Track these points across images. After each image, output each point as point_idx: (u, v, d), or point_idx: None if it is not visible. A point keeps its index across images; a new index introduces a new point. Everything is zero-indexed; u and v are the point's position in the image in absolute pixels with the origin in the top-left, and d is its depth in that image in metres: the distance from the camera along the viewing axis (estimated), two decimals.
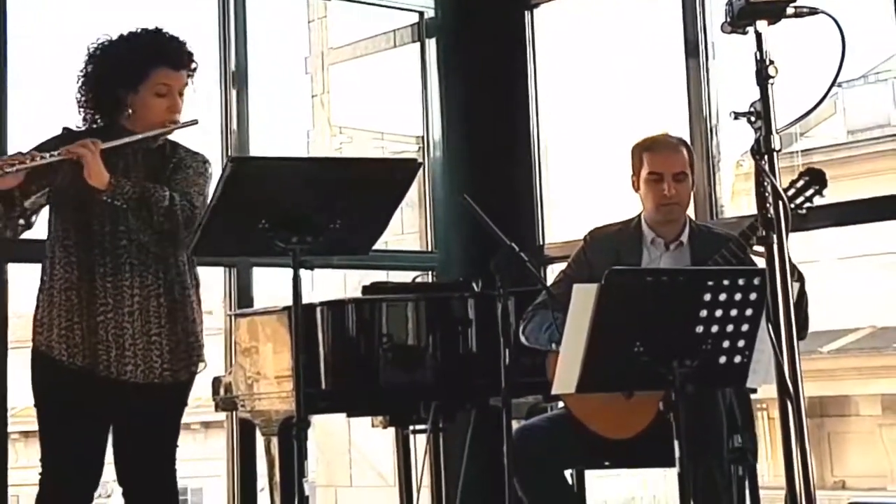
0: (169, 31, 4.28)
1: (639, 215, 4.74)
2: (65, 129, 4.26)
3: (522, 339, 4.66)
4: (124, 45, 4.22)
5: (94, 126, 4.25)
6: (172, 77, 4.22)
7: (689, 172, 4.64)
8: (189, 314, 4.22)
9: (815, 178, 4.36)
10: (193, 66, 4.30)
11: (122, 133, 4.17)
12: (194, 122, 4.27)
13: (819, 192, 4.35)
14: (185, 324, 4.20)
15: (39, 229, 4.27)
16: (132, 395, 4.11)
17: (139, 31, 4.25)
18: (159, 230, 4.07)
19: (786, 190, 4.24)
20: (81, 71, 4.25)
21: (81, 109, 4.28)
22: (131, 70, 4.17)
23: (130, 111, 4.20)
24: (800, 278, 4.24)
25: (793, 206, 4.26)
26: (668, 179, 4.59)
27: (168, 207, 4.03)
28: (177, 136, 4.35)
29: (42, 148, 4.14)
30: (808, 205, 4.35)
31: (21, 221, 4.15)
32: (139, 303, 4.11)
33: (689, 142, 4.95)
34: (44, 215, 4.26)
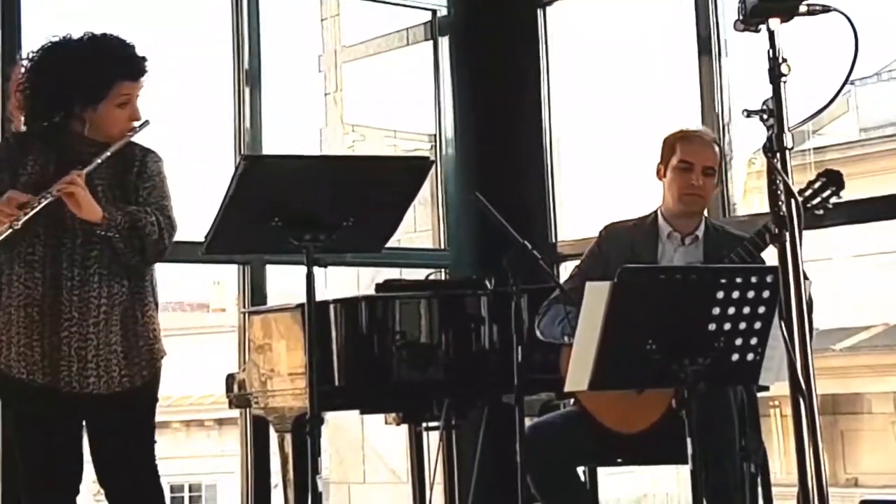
0: (116, 37, 4.17)
1: (655, 211, 4.75)
2: (10, 135, 4.21)
3: (538, 333, 4.68)
4: (80, 58, 4.10)
5: (40, 128, 4.15)
6: (132, 87, 4.14)
7: (717, 170, 4.68)
8: (142, 317, 4.16)
9: (833, 180, 4.35)
10: (147, 70, 4.21)
11: (76, 138, 4.11)
12: (146, 124, 4.18)
13: (836, 194, 4.34)
14: (135, 329, 4.13)
15: None
16: (96, 406, 4.07)
17: (87, 38, 4.14)
18: (148, 258, 4.06)
19: (803, 191, 4.24)
20: (26, 75, 4.14)
21: (24, 113, 4.18)
22: (94, 85, 4.08)
23: (88, 123, 4.12)
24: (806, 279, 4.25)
25: (809, 206, 4.26)
26: (697, 170, 4.62)
27: (158, 234, 4.02)
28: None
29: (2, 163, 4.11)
30: (825, 206, 4.34)
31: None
32: (105, 312, 4.06)
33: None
34: None
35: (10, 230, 3.86)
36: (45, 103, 4.12)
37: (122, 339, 4.09)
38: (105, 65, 4.10)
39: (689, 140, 4.70)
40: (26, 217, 3.87)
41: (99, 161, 4.04)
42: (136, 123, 4.17)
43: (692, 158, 4.64)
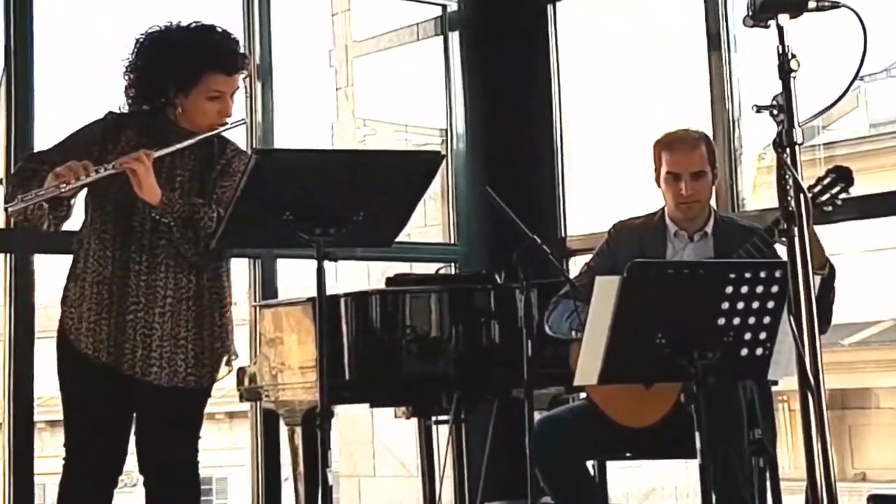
0: (222, 29, 4.19)
1: (662, 208, 4.76)
2: (110, 113, 4.19)
3: (546, 328, 4.69)
4: (178, 44, 4.11)
5: (140, 111, 4.18)
6: (226, 83, 4.14)
7: (708, 170, 4.64)
8: (219, 318, 4.18)
9: (842, 176, 4.34)
10: (247, 68, 4.23)
11: (168, 125, 4.13)
12: (242, 122, 4.21)
13: (845, 190, 4.33)
14: (211, 329, 4.15)
15: (68, 221, 4.24)
16: (155, 395, 4.08)
17: (193, 27, 4.15)
18: (202, 251, 4.04)
19: (812, 186, 4.23)
20: (130, 59, 4.16)
21: (127, 96, 4.19)
22: (184, 73, 4.09)
23: (180, 110, 4.13)
24: (831, 271, 4.26)
25: (818, 202, 4.26)
26: (685, 179, 4.60)
27: (215, 230, 3.99)
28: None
29: (86, 133, 4.12)
30: (835, 202, 4.33)
31: (64, 220, 4.06)
32: (171, 304, 4.07)
33: (711, 135, 4.94)
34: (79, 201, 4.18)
35: (57, 191, 3.85)
36: (143, 87, 4.15)
37: (194, 337, 4.10)
38: (197, 54, 4.10)
39: (672, 149, 4.65)
40: (78, 183, 3.88)
41: (175, 148, 4.05)
42: (229, 120, 4.17)
43: (677, 168, 4.62)
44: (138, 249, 4.07)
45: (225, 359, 4.22)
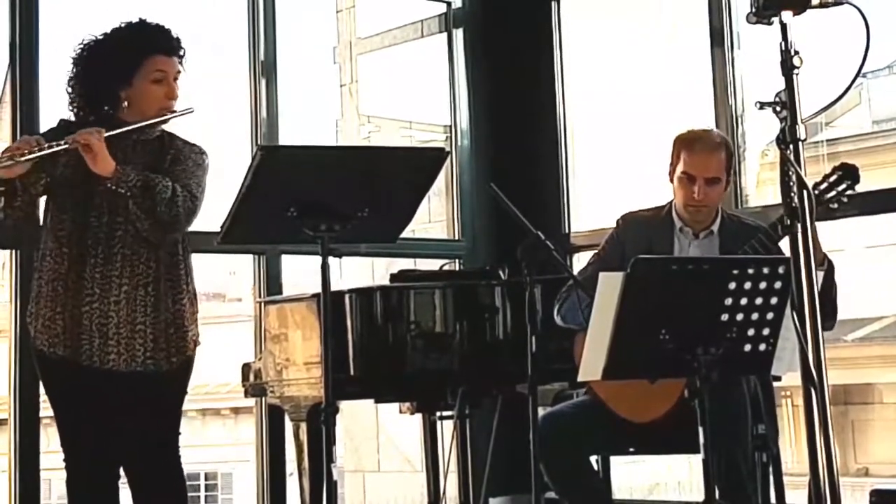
0: (153, 21, 4.27)
1: (670, 202, 4.75)
2: (62, 120, 4.26)
3: (558, 319, 4.70)
4: (113, 41, 4.21)
5: (90, 119, 4.21)
6: (166, 63, 4.21)
7: (723, 177, 4.61)
8: (173, 304, 4.20)
9: (848, 173, 4.33)
10: (183, 51, 4.28)
11: (121, 124, 4.15)
12: (190, 111, 4.24)
13: (851, 187, 4.33)
14: (167, 314, 4.18)
15: None
16: (117, 384, 4.11)
17: (123, 25, 4.24)
18: (162, 220, 4.06)
19: (818, 184, 4.24)
20: (71, 72, 4.24)
21: (74, 107, 4.26)
22: (124, 63, 4.16)
23: (126, 104, 4.19)
24: (829, 266, 4.26)
25: (824, 199, 4.26)
26: (699, 182, 4.58)
27: (171, 198, 4.04)
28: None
29: (44, 138, 4.14)
30: (840, 199, 4.33)
31: (21, 211, 4.10)
32: (126, 292, 4.11)
33: (728, 140, 4.90)
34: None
35: (11, 163, 3.91)
36: (87, 92, 4.20)
37: (151, 322, 4.14)
38: (134, 40, 4.19)
39: (693, 149, 4.62)
40: (31, 156, 3.93)
41: (126, 129, 4.11)
42: (177, 107, 4.22)
43: (694, 171, 4.59)
44: (94, 243, 4.12)
45: (184, 342, 4.23)
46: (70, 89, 4.25)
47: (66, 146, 3.99)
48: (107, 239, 4.12)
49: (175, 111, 4.24)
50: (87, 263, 4.11)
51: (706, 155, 4.61)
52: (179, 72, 4.27)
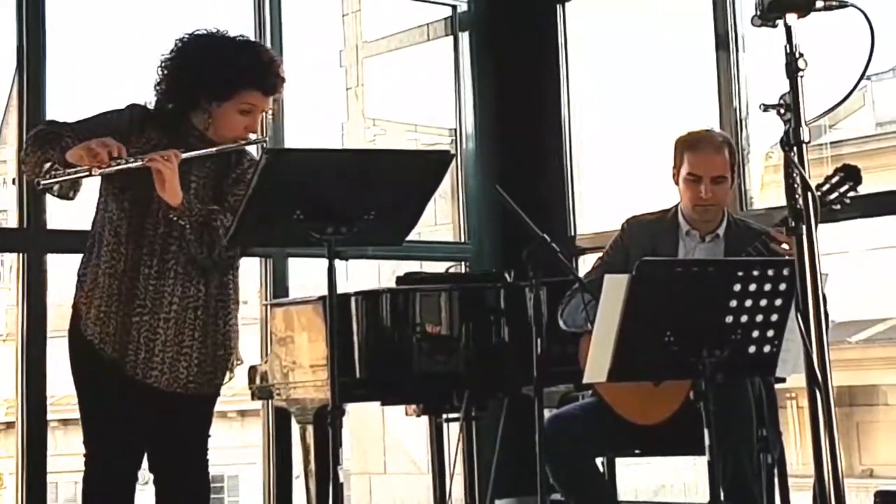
0: (269, 50, 4.23)
1: (676, 206, 4.76)
2: (136, 105, 4.17)
3: (561, 322, 4.70)
4: (223, 55, 4.11)
5: (165, 109, 4.15)
6: (261, 100, 4.15)
7: (728, 175, 4.63)
8: (224, 325, 4.19)
9: (850, 175, 4.33)
10: (281, 93, 4.24)
11: (191, 130, 4.12)
12: (263, 141, 4.22)
13: (854, 189, 4.33)
14: (215, 336, 4.17)
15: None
16: (156, 397, 4.08)
17: (240, 40, 4.18)
18: (214, 260, 4.06)
19: (821, 185, 4.23)
20: (168, 57, 4.15)
21: (157, 92, 4.17)
22: (223, 85, 4.09)
23: (208, 117, 4.13)
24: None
25: (827, 200, 4.26)
26: (705, 182, 4.59)
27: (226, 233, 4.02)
28: None
29: (112, 118, 4.10)
30: (843, 200, 4.33)
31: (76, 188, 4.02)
32: (176, 312, 4.08)
33: (730, 139, 4.91)
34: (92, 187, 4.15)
35: (87, 174, 3.86)
36: (176, 86, 4.14)
37: (199, 346, 4.12)
38: (240, 67, 4.11)
39: (696, 150, 4.63)
40: (107, 170, 3.86)
41: (200, 153, 4.06)
42: (252, 136, 4.18)
43: (699, 171, 4.61)
44: (150, 253, 4.07)
45: (229, 364, 4.23)
46: (161, 73, 4.15)
47: (142, 164, 3.92)
48: (161, 252, 4.08)
49: (249, 139, 4.18)
50: (141, 273, 4.06)
51: (710, 154, 4.63)
52: (268, 109, 4.24)
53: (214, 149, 4.10)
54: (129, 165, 3.90)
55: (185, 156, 3.99)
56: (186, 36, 4.17)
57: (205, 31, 4.17)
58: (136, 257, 4.07)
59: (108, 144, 3.86)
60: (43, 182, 3.93)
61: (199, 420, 4.25)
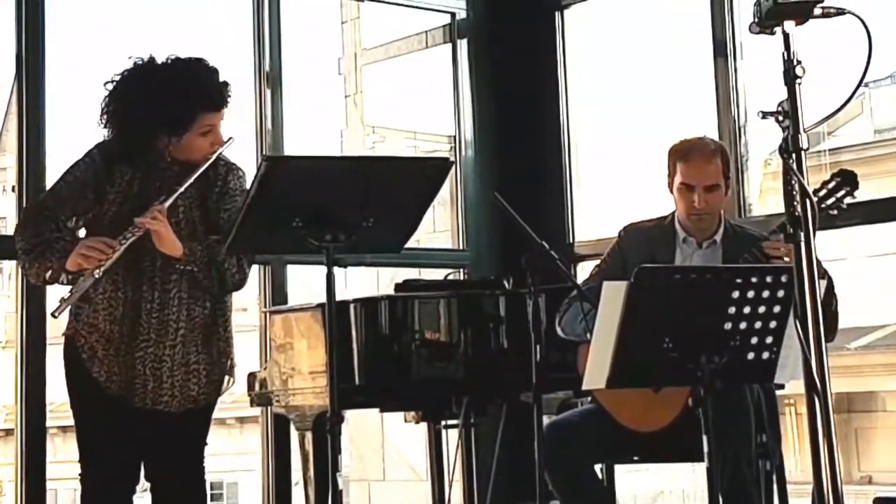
0: (203, 63, 4.18)
1: (673, 213, 4.76)
2: (95, 148, 4.19)
3: (559, 330, 4.71)
4: (165, 94, 4.07)
5: (128, 138, 4.13)
6: (216, 117, 4.16)
7: (722, 183, 4.62)
8: (224, 332, 4.23)
9: (847, 180, 4.33)
10: (231, 96, 4.23)
11: (159, 156, 4.12)
12: (231, 141, 4.24)
13: (850, 194, 4.33)
14: (218, 345, 4.21)
15: None
16: (166, 420, 4.11)
17: (173, 65, 4.13)
18: (227, 288, 4.12)
19: (817, 191, 4.23)
20: (108, 105, 4.14)
21: (111, 131, 4.16)
22: (175, 121, 4.09)
23: (170, 150, 4.13)
24: (829, 280, 4.27)
25: (824, 206, 4.26)
26: (698, 191, 4.59)
27: (238, 269, 4.10)
28: None
29: (77, 180, 4.12)
30: (840, 206, 4.33)
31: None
32: (183, 335, 4.11)
33: (724, 146, 4.91)
34: None
35: (93, 280, 3.93)
36: (129, 131, 4.11)
37: (205, 357, 4.16)
38: (189, 98, 4.10)
39: (687, 160, 4.63)
40: (108, 263, 3.93)
41: (181, 191, 4.06)
42: (219, 148, 4.17)
43: (692, 181, 4.60)
44: (150, 288, 4.09)
45: (227, 367, 4.26)
46: (107, 121, 4.15)
47: (137, 236, 3.97)
48: (162, 283, 4.09)
49: (217, 151, 4.18)
50: (143, 310, 4.07)
51: (702, 163, 4.62)
52: (222, 119, 4.22)
53: (190, 179, 4.09)
54: (126, 245, 3.96)
55: (167, 204, 4.02)
56: (119, 76, 4.15)
57: (134, 66, 4.14)
58: (137, 297, 4.09)
59: (95, 246, 3.96)
60: (57, 313, 4.07)
61: (199, 429, 4.28)
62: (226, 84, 4.21)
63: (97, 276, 3.92)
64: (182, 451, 4.22)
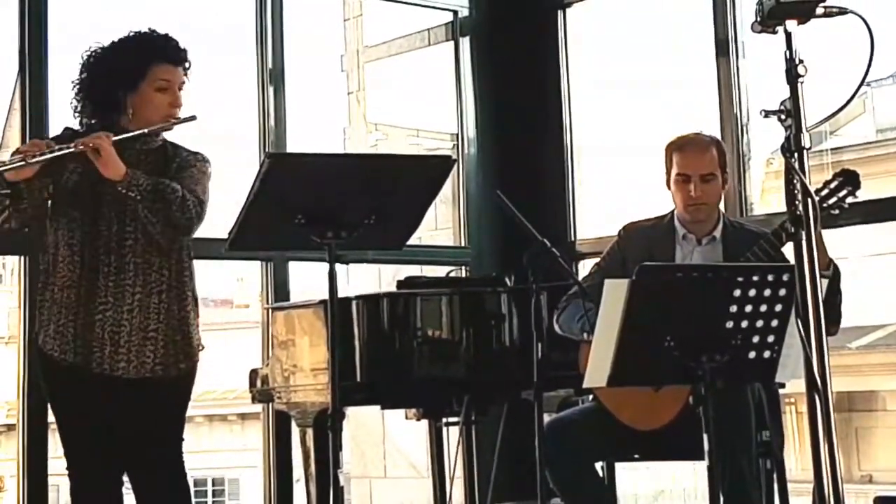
0: (160, 31, 4.31)
1: (672, 211, 4.77)
2: (67, 129, 4.30)
3: (556, 328, 4.71)
4: (120, 49, 4.25)
5: (95, 126, 4.24)
6: (171, 72, 4.25)
7: (718, 173, 4.65)
8: (179, 311, 4.24)
9: (849, 179, 4.34)
10: (189, 62, 4.32)
11: (126, 131, 4.17)
12: (193, 118, 4.26)
13: (852, 193, 4.34)
14: (175, 320, 4.22)
15: None
16: (125, 390, 4.13)
17: (131, 34, 4.28)
18: (176, 223, 4.10)
19: (819, 190, 4.23)
20: (77, 79, 4.29)
21: (78, 115, 4.31)
22: (130, 70, 4.20)
23: (131, 111, 4.21)
24: (835, 272, 4.28)
25: (825, 205, 4.27)
26: (694, 180, 4.61)
27: (182, 200, 4.08)
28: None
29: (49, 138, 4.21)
30: (841, 205, 4.34)
31: (28, 212, 4.15)
32: (140, 300, 4.15)
33: (720, 140, 4.96)
34: None
35: (22, 164, 3.95)
36: (93, 98, 4.25)
37: (163, 328, 4.18)
38: (141, 49, 4.23)
39: (683, 150, 4.68)
40: (41, 158, 3.97)
41: (132, 134, 4.15)
42: (180, 114, 4.26)
43: (688, 170, 4.64)
44: (106, 251, 4.14)
45: (190, 349, 4.27)
46: (76, 96, 4.30)
47: (76, 149, 4.02)
48: (118, 248, 4.15)
49: (179, 118, 4.27)
50: (101, 272, 4.13)
51: (697, 153, 4.66)
52: (184, 82, 4.31)
53: (148, 129, 4.19)
54: (64, 151, 4.02)
55: (116, 138, 4.07)
56: (84, 54, 4.30)
57: (97, 43, 4.29)
58: (94, 259, 4.14)
59: (35, 143, 4.06)
60: None
61: (168, 409, 4.28)
62: (182, 47, 4.31)
63: (29, 162, 3.95)
64: (152, 433, 4.20)
